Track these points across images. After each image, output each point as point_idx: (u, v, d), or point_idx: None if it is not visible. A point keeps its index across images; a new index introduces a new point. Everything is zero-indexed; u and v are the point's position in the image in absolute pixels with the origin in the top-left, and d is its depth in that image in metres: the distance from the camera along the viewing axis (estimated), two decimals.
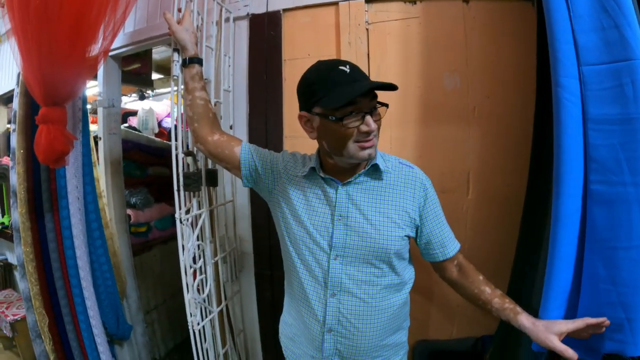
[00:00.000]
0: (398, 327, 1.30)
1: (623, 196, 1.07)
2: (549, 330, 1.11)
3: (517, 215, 1.57)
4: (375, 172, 1.23)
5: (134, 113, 4.11)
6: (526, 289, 1.41)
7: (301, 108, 1.20)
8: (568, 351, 1.05)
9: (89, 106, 2.75)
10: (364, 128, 1.08)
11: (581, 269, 1.16)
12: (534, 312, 1.21)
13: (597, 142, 1.11)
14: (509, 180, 1.68)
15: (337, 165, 1.21)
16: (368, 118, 1.08)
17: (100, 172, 2.45)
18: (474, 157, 1.73)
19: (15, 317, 2.95)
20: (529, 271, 1.42)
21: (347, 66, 1.10)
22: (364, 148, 1.11)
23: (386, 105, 1.14)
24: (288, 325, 1.39)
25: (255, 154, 1.34)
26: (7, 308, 3.12)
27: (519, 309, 1.19)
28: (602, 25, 1.10)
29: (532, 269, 1.39)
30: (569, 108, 1.13)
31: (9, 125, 3.73)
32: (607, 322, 1.08)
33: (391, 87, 1.08)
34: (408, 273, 1.30)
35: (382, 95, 1.13)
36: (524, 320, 1.16)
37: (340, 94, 1.06)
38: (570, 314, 1.18)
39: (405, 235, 1.22)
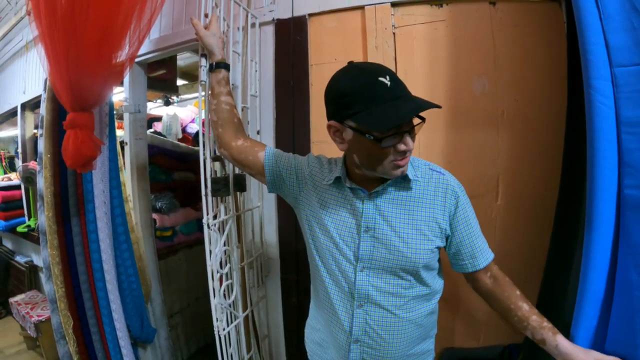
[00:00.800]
0: (425, 335, 1.27)
1: None
2: (589, 354, 1.08)
3: (548, 221, 1.54)
4: (403, 181, 1.17)
5: (158, 119, 4.16)
6: (559, 296, 1.38)
7: (330, 117, 1.11)
8: None
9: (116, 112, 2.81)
10: (401, 147, 1.03)
11: (615, 275, 1.13)
12: (565, 324, 1.19)
13: (631, 145, 1.08)
14: (539, 186, 1.65)
15: (365, 176, 1.16)
16: (407, 138, 1.03)
17: (127, 177, 2.47)
18: (503, 161, 1.70)
19: (40, 318, 3.00)
20: (561, 278, 1.38)
21: (387, 77, 1.01)
22: (398, 166, 1.06)
23: (423, 120, 1.07)
24: (315, 330, 1.37)
25: (279, 159, 1.31)
26: (32, 309, 3.18)
27: (556, 329, 1.13)
28: (633, 25, 1.08)
29: (565, 275, 1.35)
30: (602, 111, 1.10)
31: (35, 131, 3.80)
32: None
33: (437, 107, 1.00)
34: (437, 283, 1.26)
35: None
36: (564, 342, 1.10)
37: (384, 115, 0.97)
38: (603, 321, 1.14)
39: (436, 247, 1.17)
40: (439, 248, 1.20)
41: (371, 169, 1.10)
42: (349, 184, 1.18)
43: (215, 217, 1.58)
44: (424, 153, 1.75)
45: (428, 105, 1.00)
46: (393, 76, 1.04)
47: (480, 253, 1.21)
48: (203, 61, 1.48)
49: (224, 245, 1.61)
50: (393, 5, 1.79)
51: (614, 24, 1.10)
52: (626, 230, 1.10)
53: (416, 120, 1.07)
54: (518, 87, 1.69)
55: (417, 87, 1.74)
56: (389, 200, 1.16)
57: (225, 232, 1.61)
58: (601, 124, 1.10)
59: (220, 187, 1.55)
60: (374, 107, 0.99)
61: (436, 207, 1.16)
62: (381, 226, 1.15)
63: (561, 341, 1.10)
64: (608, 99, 1.10)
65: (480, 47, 1.72)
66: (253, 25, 1.91)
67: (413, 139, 1.06)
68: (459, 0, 1.74)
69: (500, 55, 1.70)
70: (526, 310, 1.17)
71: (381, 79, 1.01)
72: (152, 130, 3.90)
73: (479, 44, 1.72)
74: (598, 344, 1.14)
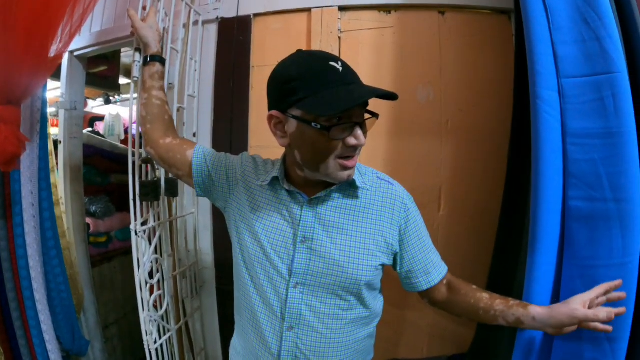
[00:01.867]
0: None
1: (604, 213, 1.05)
2: (570, 304, 0.98)
3: (492, 233, 1.55)
4: (350, 188, 1.06)
5: (100, 118, 4.03)
6: None
7: (271, 107, 0.99)
8: (599, 314, 0.95)
9: (52, 109, 2.67)
10: (351, 141, 0.93)
11: (560, 285, 1.13)
12: (511, 337, 1.18)
13: (577, 156, 1.09)
14: (483, 196, 1.66)
15: (306, 178, 1.04)
16: (358, 130, 0.93)
17: (59, 178, 2.35)
18: (447, 171, 1.71)
19: None
20: (505, 289, 1.36)
21: (339, 63, 0.93)
22: (345, 167, 0.96)
23: (376, 116, 0.99)
24: (237, 353, 1.21)
25: (209, 158, 1.19)
26: None
27: (524, 302, 1.06)
28: (583, 38, 1.10)
29: (509, 286, 1.34)
30: (548, 121, 1.11)
31: None
32: (620, 282, 1.00)
33: (393, 96, 0.92)
34: (378, 305, 1.15)
35: None
36: (538, 309, 1.01)
37: (334, 99, 0.87)
38: (548, 335, 1.12)
39: (380, 264, 1.06)
40: (383, 266, 1.08)
41: (314, 169, 0.98)
42: (287, 186, 1.06)
43: (144, 223, 1.49)
44: (365, 161, 1.68)
45: (383, 91, 0.91)
46: (345, 63, 0.95)
47: (434, 268, 1.13)
48: (137, 56, 1.40)
49: (155, 253, 1.52)
50: (341, 9, 1.77)
51: (563, 35, 1.12)
52: (571, 241, 1.11)
53: (368, 116, 0.99)
54: (463, 96, 1.70)
55: None
56: (331, 208, 1.05)
57: (156, 239, 1.53)
58: (547, 135, 1.11)
59: (149, 191, 1.47)
60: (323, 91, 0.89)
61: (384, 219, 1.06)
62: (320, 237, 1.03)
63: (535, 311, 1.01)
64: (554, 110, 1.11)
65: (427, 56, 1.72)
66: (196, 22, 1.84)
67: (365, 135, 0.97)
68: (408, 8, 1.74)
69: (447, 64, 1.71)
70: (487, 299, 1.08)
71: (332, 63, 0.92)
72: (90, 129, 3.77)
73: (426, 52, 1.72)
74: (544, 356, 1.13)
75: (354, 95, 0.88)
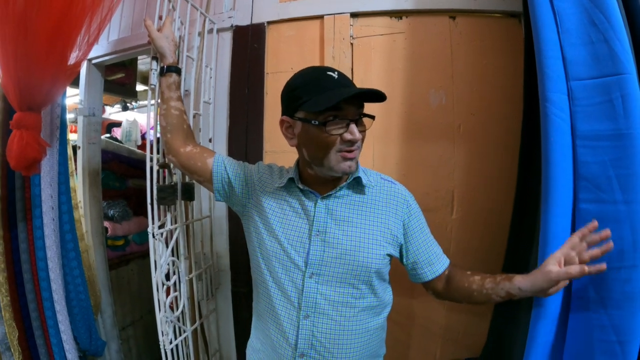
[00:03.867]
0: (374, 354, 1.23)
1: (614, 215, 1.04)
2: (545, 267, 1.03)
3: (504, 236, 1.54)
4: (357, 185, 1.18)
5: (118, 124, 4.08)
6: (514, 311, 1.38)
7: (283, 113, 1.15)
8: (571, 271, 0.98)
9: (71, 115, 2.72)
10: (347, 136, 1.04)
11: (570, 290, 1.12)
12: (523, 341, 1.18)
13: (587, 159, 1.08)
14: (495, 200, 1.65)
15: (318, 177, 1.15)
16: (353, 126, 1.04)
17: (78, 183, 2.40)
18: (459, 175, 1.71)
19: None
20: None
21: (335, 72, 1.07)
22: (345, 159, 1.06)
23: (372, 117, 1.11)
24: (255, 351, 1.29)
25: (228, 166, 1.29)
26: None
27: (509, 274, 1.11)
28: (591, 39, 1.09)
29: None
30: (558, 124, 1.11)
31: None
32: (596, 224, 1.01)
33: (379, 94, 1.04)
34: (387, 295, 1.24)
35: (367, 109, 1.08)
36: (520, 279, 1.06)
37: (326, 97, 1.01)
38: (559, 337, 1.13)
39: (387, 254, 1.15)
40: (390, 257, 1.18)
41: (320, 164, 1.10)
42: (302, 186, 1.17)
43: (161, 226, 1.53)
44: (378, 165, 1.74)
45: (370, 90, 1.04)
46: (340, 73, 1.08)
47: (437, 259, 1.22)
48: (154, 64, 1.45)
49: (171, 255, 1.55)
50: (352, 15, 1.79)
51: (571, 38, 1.11)
52: None
53: (367, 121, 1.12)
54: (475, 101, 1.70)
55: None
56: (342, 203, 1.16)
57: (172, 242, 1.56)
58: (556, 137, 1.11)
59: (167, 195, 1.51)
60: (320, 94, 1.03)
61: (389, 214, 1.17)
62: (332, 230, 1.13)
63: (519, 282, 1.06)
64: (564, 112, 1.11)
65: (438, 60, 1.73)
66: (210, 30, 1.87)
67: (363, 135, 1.09)
68: (419, 14, 1.75)
69: (458, 68, 1.71)
70: (478, 279, 1.15)
71: (329, 73, 1.06)
72: (108, 135, 3.82)
73: (438, 57, 1.73)
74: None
75: (342, 93, 1.01)
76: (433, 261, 1.21)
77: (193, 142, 1.37)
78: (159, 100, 1.40)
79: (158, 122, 1.41)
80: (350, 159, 1.07)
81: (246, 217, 1.29)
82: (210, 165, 1.28)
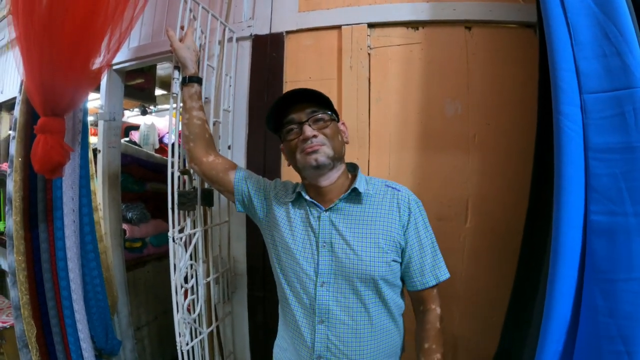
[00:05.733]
0: (391, 353, 1.26)
1: (624, 227, 1.04)
2: None
3: (516, 245, 1.55)
4: (355, 196, 1.23)
5: (136, 127, 4.13)
6: (525, 320, 1.38)
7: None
8: None
9: (90, 118, 2.77)
10: (301, 137, 1.18)
11: (580, 300, 1.13)
12: (531, 348, 1.20)
13: (599, 171, 1.09)
14: (509, 210, 1.66)
15: (316, 187, 1.25)
16: (304, 127, 1.18)
17: (98, 185, 2.44)
18: (473, 185, 1.72)
19: (4, 325, 2.88)
20: (528, 302, 1.38)
21: (287, 92, 1.22)
22: (307, 153, 1.17)
23: (323, 114, 1.22)
24: (283, 349, 1.36)
25: (249, 180, 1.39)
26: None
27: None
28: (604, 52, 1.10)
29: (532, 300, 1.35)
30: (570, 136, 1.12)
31: (10, 132, 3.74)
32: None
33: (306, 92, 1.19)
34: (398, 299, 1.26)
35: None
36: None
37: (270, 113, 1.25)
38: (569, 346, 1.15)
39: (392, 260, 1.20)
40: (396, 262, 1.22)
41: (297, 168, 1.26)
42: (308, 197, 1.26)
43: (181, 230, 1.57)
44: (393, 174, 1.77)
45: (298, 90, 1.19)
46: (295, 89, 1.21)
47: (430, 271, 1.24)
48: (176, 73, 1.49)
49: (190, 259, 1.59)
50: (370, 26, 1.82)
51: (585, 51, 1.12)
52: (592, 256, 1.10)
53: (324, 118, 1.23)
54: (490, 110, 1.71)
55: (389, 108, 1.78)
56: (342, 215, 1.22)
57: (191, 246, 1.60)
58: (569, 150, 1.12)
59: (187, 200, 1.55)
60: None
61: (392, 221, 1.21)
62: (337, 241, 1.20)
63: None
64: (576, 125, 1.12)
65: (454, 71, 1.75)
66: (230, 39, 1.92)
67: (325, 132, 1.20)
68: (435, 24, 1.77)
69: (474, 79, 1.73)
70: (423, 344, 1.24)
71: (280, 96, 1.23)
72: (127, 139, 3.87)
73: (453, 67, 1.75)
74: None
75: (276, 104, 1.22)
76: (425, 272, 1.23)
77: (214, 151, 1.44)
78: (182, 110, 1.44)
79: (180, 130, 1.46)
80: (312, 153, 1.17)
81: (264, 229, 1.39)
82: (232, 177, 1.39)
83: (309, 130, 1.16)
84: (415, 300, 1.30)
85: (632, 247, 1.03)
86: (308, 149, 1.17)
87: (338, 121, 1.30)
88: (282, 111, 1.23)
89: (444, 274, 1.26)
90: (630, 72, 1.05)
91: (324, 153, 1.17)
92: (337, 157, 1.22)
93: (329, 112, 1.23)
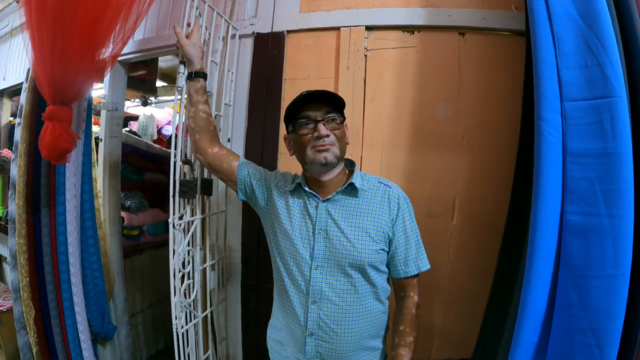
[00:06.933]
0: (376, 334, 1.36)
1: (597, 227, 1.11)
2: None
3: (499, 241, 1.61)
4: (352, 190, 1.33)
5: (135, 118, 4.14)
6: (503, 313, 1.44)
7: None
8: None
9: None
10: (315, 134, 1.25)
11: (555, 295, 1.20)
12: (508, 338, 1.26)
13: (576, 174, 1.16)
14: (492, 208, 1.73)
15: (316, 180, 1.34)
16: (319, 125, 1.25)
17: (98, 173, 2.48)
18: (461, 184, 1.79)
19: (1, 309, 2.93)
20: (507, 295, 1.44)
21: (308, 91, 1.27)
22: (319, 151, 1.25)
23: (338, 117, 1.30)
24: (276, 329, 1.47)
25: (251, 170, 1.47)
26: None
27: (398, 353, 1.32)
28: (586, 63, 1.16)
29: (510, 293, 1.41)
30: (550, 141, 1.18)
31: (12, 119, 3.77)
32: None
33: (327, 94, 1.27)
34: (384, 285, 1.37)
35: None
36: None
37: (288, 109, 1.30)
38: (543, 337, 1.22)
39: (380, 249, 1.30)
40: (384, 251, 1.33)
41: (304, 161, 1.32)
42: (307, 189, 1.35)
43: (181, 217, 1.64)
44: (385, 171, 1.83)
45: (319, 92, 1.26)
46: (318, 90, 1.28)
47: (413, 261, 1.35)
48: (182, 68, 1.55)
49: (188, 245, 1.65)
50: (367, 29, 1.87)
51: (568, 61, 1.19)
52: (567, 253, 1.17)
53: (335, 119, 1.30)
54: (479, 114, 1.78)
55: (383, 108, 1.84)
56: (339, 206, 1.32)
57: (190, 233, 1.66)
58: (548, 153, 1.18)
59: (187, 189, 1.61)
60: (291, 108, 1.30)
61: (382, 214, 1.32)
62: (332, 228, 1.30)
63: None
64: (556, 130, 1.18)
65: (446, 74, 1.81)
66: (233, 36, 1.96)
67: (336, 133, 1.28)
68: (430, 29, 1.83)
69: (465, 83, 1.79)
70: (398, 327, 1.36)
71: (303, 92, 1.27)
72: (127, 129, 3.88)
73: (446, 71, 1.81)
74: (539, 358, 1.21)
75: (296, 99, 1.28)
76: (408, 261, 1.34)
77: (219, 143, 1.52)
78: (187, 104, 1.50)
79: (187, 124, 1.52)
80: (323, 151, 1.25)
81: (264, 217, 1.47)
82: (235, 168, 1.47)
83: (323, 130, 1.24)
84: (397, 287, 1.41)
85: (605, 246, 1.10)
86: (319, 147, 1.25)
87: None
88: (298, 105, 1.29)
89: (425, 265, 1.37)
90: (609, 82, 1.12)
91: (332, 153, 1.26)
92: (342, 157, 1.32)
93: (342, 115, 1.32)
